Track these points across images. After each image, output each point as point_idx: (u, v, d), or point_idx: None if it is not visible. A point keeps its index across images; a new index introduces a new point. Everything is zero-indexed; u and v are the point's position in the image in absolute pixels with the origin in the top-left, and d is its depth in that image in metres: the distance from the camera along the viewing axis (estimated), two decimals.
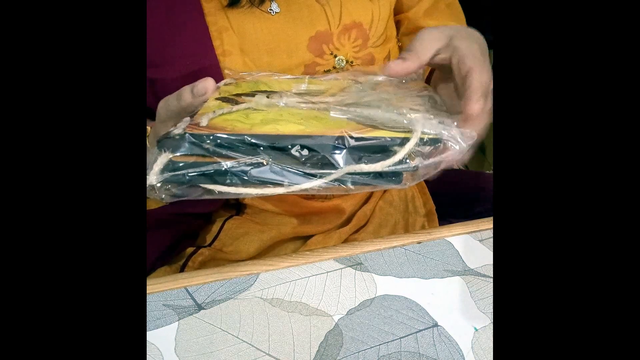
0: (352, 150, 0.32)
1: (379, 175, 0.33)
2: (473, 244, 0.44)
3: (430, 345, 0.35)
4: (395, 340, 0.36)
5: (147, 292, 0.38)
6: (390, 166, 0.32)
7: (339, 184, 0.32)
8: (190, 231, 0.55)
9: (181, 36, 0.47)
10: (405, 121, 0.33)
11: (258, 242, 0.54)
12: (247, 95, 0.39)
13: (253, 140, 0.31)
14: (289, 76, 0.45)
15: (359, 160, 0.32)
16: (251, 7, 0.47)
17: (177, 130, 0.32)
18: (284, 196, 0.58)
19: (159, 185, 0.31)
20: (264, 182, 0.32)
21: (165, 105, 0.39)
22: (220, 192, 0.32)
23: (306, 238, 0.57)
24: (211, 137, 0.31)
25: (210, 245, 0.54)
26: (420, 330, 0.36)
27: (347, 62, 0.52)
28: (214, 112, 0.34)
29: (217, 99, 0.38)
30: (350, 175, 0.32)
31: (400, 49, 0.62)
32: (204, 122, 0.33)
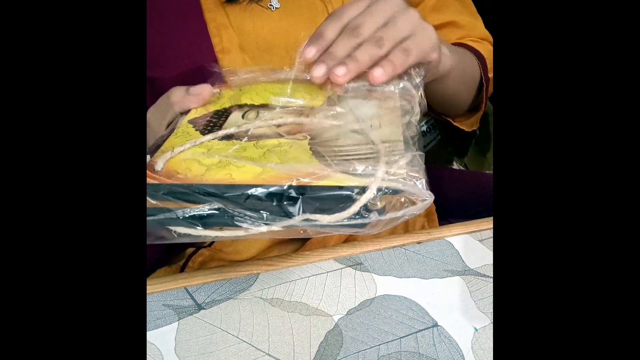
0: (306, 199, 0.31)
1: (342, 224, 0.32)
2: (473, 244, 0.44)
3: (430, 345, 0.35)
4: (395, 340, 0.36)
5: (147, 292, 0.38)
6: (345, 219, 0.31)
7: (301, 230, 0.32)
8: None
9: (179, 34, 0.46)
10: (363, 169, 0.32)
11: (258, 242, 0.53)
12: (222, 114, 0.39)
13: (205, 190, 0.31)
14: (278, 73, 0.44)
15: (314, 210, 0.31)
16: (250, 3, 0.47)
17: None
18: None
19: None
20: (222, 225, 0.31)
21: (155, 106, 0.39)
22: (179, 235, 0.31)
23: (306, 238, 0.57)
24: (162, 187, 0.31)
25: (210, 245, 0.54)
26: (420, 330, 0.36)
27: None
28: (172, 151, 0.34)
29: (189, 121, 0.38)
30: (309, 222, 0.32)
31: None
32: (159, 165, 0.32)
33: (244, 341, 0.35)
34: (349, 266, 0.41)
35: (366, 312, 0.37)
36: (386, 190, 0.31)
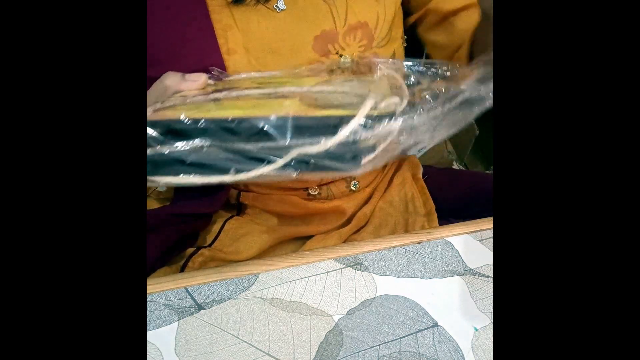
0: (297, 130, 0.30)
1: (335, 158, 0.31)
2: (473, 244, 0.44)
3: (430, 345, 0.35)
4: (395, 340, 0.36)
5: (147, 292, 0.38)
6: (336, 144, 0.30)
7: (294, 170, 0.31)
8: (191, 232, 0.55)
9: (185, 34, 0.46)
10: (355, 100, 0.32)
11: (258, 242, 0.54)
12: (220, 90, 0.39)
13: (193, 123, 0.30)
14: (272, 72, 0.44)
15: (304, 143, 0.30)
16: (256, 4, 0.47)
17: None
18: (285, 197, 0.58)
19: None
20: (210, 169, 0.30)
21: (149, 93, 0.40)
22: (165, 183, 0.31)
23: (306, 238, 0.57)
24: (151, 123, 0.30)
25: (210, 245, 0.54)
26: (420, 330, 0.36)
27: (352, 61, 0.51)
28: (162, 102, 0.33)
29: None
30: (304, 163, 0.31)
31: (421, 43, 0.62)
32: (149, 111, 0.32)
33: (244, 341, 0.35)
34: (349, 266, 0.41)
35: (366, 312, 0.37)
36: (376, 117, 0.30)
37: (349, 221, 0.59)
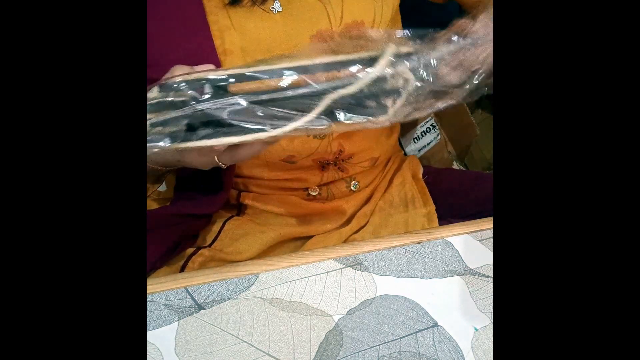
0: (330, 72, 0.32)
1: (364, 102, 0.33)
2: (473, 244, 0.44)
3: (430, 345, 0.35)
4: (395, 340, 0.36)
5: (147, 292, 0.38)
6: (370, 81, 0.32)
7: (326, 120, 0.32)
8: (191, 232, 0.55)
9: (182, 35, 0.46)
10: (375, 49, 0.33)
11: (258, 243, 0.53)
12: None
13: (227, 78, 0.31)
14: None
15: (337, 87, 0.32)
16: (253, 5, 0.47)
17: (152, 94, 0.32)
18: (285, 197, 0.58)
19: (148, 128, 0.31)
20: (244, 129, 0.31)
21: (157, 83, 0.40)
22: (198, 145, 0.31)
23: (306, 238, 0.57)
24: (191, 81, 0.31)
25: (210, 245, 0.54)
26: (420, 330, 0.36)
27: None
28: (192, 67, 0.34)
29: None
30: (332, 116, 0.32)
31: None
32: (176, 72, 0.32)
33: (244, 341, 0.35)
34: (349, 266, 0.41)
35: (366, 312, 0.37)
36: (401, 57, 0.33)
37: (349, 221, 0.59)
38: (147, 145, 0.31)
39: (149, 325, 0.36)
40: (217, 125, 0.31)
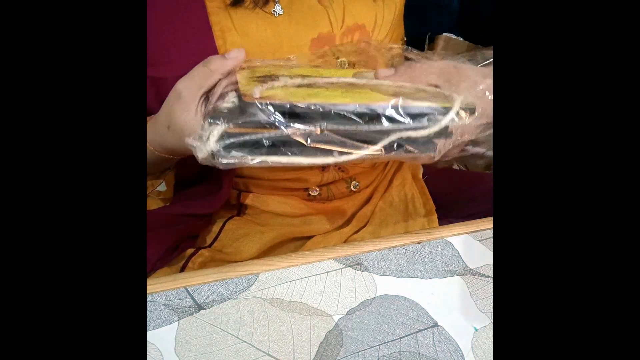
0: (407, 116, 0.35)
1: (423, 142, 0.36)
2: (473, 244, 0.44)
3: (430, 345, 0.35)
4: (395, 340, 0.36)
5: (147, 292, 0.38)
6: (438, 130, 0.35)
7: (381, 151, 0.35)
8: (191, 232, 0.55)
9: (184, 35, 0.47)
10: (445, 93, 0.37)
11: (258, 243, 0.53)
12: (269, 78, 0.40)
13: (315, 108, 0.33)
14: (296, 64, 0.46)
15: (401, 130, 0.35)
16: (255, 7, 0.47)
17: (226, 104, 0.34)
18: (285, 198, 0.58)
19: (219, 151, 0.33)
20: (315, 152, 0.34)
21: (189, 77, 0.41)
22: (273, 162, 0.33)
23: (306, 239, 0.57)
24: (277, 106, 0.33)
25: (210, 246, 0.54)
26: (420, 330, 0.36)
27: (349, 64, 0.52)
28: (262, 85, 0.35)
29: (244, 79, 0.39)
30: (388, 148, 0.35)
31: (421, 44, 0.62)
32: (256, 93, 0.34)
33: (244, 341, 0.35)
34: (349, 266, 0.41)
35: (366, 312, 0.37)
36: (465, 109, 0.36)
37: (349, 221, 0.59)
38: (223, 155, 0.33)
39: (148, 325, 0.36)
40: (293, 145, 0.34)
